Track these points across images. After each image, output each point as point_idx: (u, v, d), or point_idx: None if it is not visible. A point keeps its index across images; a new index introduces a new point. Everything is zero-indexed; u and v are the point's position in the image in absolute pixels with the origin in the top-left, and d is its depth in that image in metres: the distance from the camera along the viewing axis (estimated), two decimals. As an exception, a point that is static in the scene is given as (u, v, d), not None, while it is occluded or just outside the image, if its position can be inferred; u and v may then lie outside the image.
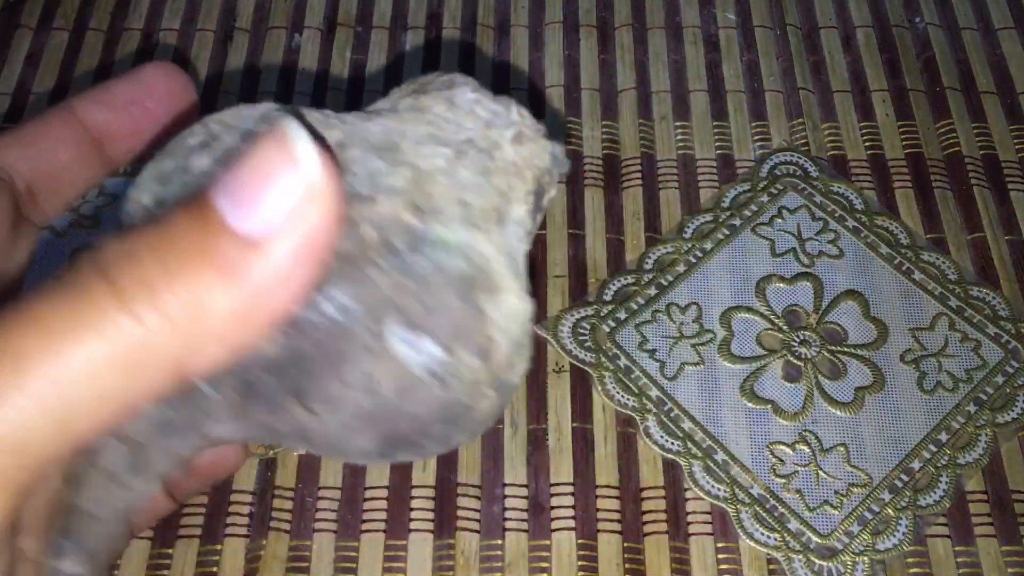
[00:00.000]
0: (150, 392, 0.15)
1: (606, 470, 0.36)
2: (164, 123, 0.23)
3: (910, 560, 0.34)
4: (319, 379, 0.17)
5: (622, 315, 0.39)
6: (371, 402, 0.17)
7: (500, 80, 0.46)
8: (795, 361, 0.38)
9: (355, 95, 0.46)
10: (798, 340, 0.38)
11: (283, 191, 0.15)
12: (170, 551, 0.34)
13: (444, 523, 0.35)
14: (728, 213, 0.42)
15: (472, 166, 0.18)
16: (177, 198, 0.17)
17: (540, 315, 0.39)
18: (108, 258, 0.15)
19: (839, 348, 0.38)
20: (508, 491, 0.35)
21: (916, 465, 0.36)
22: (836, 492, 0.35)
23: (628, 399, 0.37)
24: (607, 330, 0.39)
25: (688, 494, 0.35)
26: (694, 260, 0.41)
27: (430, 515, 0.35)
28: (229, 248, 0.14)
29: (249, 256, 0.15)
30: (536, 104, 0.45)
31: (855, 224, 0.41)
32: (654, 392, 0.37)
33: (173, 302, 0.14)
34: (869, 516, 0.34)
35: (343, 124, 0.18)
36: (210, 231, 0.15)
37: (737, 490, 0.35)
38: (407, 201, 0.17)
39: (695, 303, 0.39)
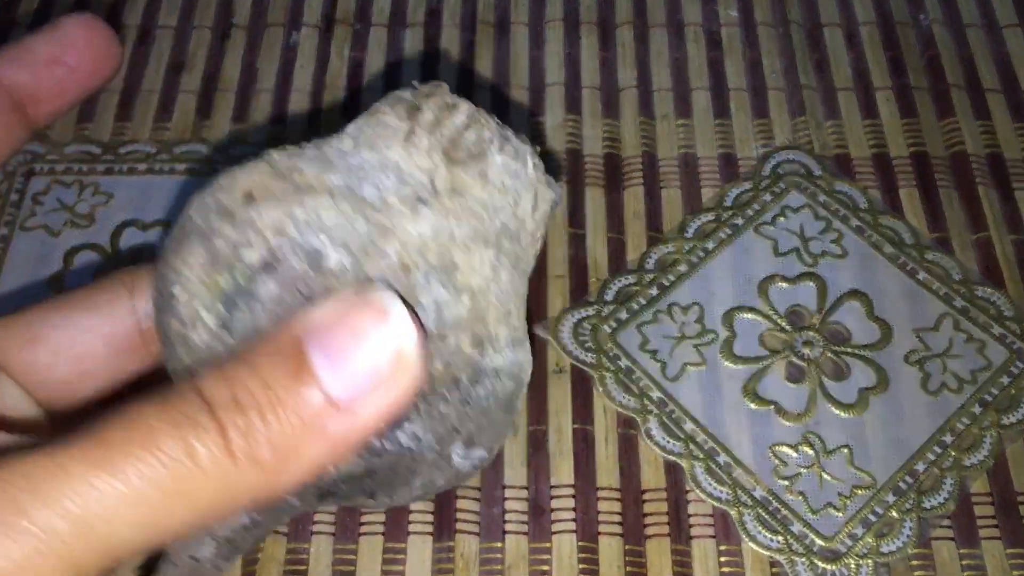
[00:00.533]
0: (230, 512, 0.17)
1: (607, 472, 0.36)
2: (88, 82, 0.22)
3: (914, 563, 0.34)
4: (389, 486, 0.20)
5: (623, 315, 0.39)
6: (425, 492, 0.21)
7: (500, 78, 0.46)
8: (798, 362, 0.38)
9: (353, 94, 0.46)
10: (801, 340, 0.38)
11: (376, 358, 0.16)
12: (166, 554, 0.34)
13: (443, 525, 0.34)
14: (730, 212, 0.41)
15: (508, 263, 0.20)
16: (251, 329, 0.18)
17: (540, 315, 0.39)
18: (214, 394, 0.16)
19: (843, 349, 0.38)
20: (508, 493, 0.35)
21: (920, 467, 0.35)
22: (840, 494, 0.35)
23: (629, 400, 0.37)
24: (608, 330, 0.38)
25: (690, 496, 0.35)
26: (696, 260, 0.40)
27: (429, 517, 0.35)
28: (320, 407, 0.16)
29: (337, 417, 0.16)
30: (536, 103, 0.45)
31: (859, 223, 0.41)
32: (655, 393, 0.37)
33: (266, 449, 0.16)
34: (873, 518, 0.34)
35: (388, 212, 0.19)
36: (304, 390, 0.16)
37: (739, 492, 0.35)
38: (470, 334, 0.19)
39: (697, 303, 0.39)
